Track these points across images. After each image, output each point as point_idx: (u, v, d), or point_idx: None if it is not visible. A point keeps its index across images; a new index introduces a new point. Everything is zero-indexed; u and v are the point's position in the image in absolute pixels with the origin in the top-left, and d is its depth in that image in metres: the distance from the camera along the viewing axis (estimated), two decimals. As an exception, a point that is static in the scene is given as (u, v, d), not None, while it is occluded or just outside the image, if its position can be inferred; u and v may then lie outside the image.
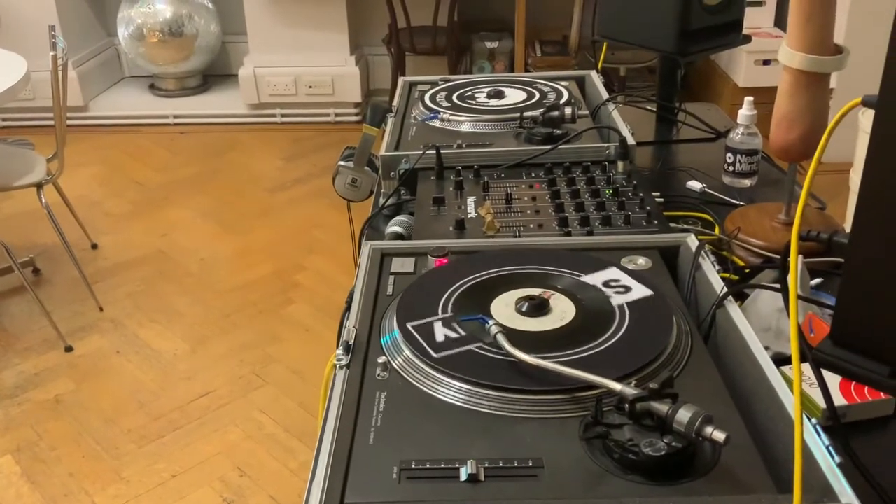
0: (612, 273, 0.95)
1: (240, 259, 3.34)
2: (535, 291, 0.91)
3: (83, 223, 3.39)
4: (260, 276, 3.21)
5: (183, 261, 3.34)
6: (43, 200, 2.95)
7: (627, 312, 0.88)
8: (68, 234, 3.14)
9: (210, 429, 2.42)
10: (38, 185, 2.91)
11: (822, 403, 0.85)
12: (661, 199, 1.23)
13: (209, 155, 4.31)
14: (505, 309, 0.89)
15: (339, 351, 0.84)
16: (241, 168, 4.17)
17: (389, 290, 0.98)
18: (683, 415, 0.67)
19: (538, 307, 0.88)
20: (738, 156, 1.47)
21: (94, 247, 3.43)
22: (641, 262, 1.01)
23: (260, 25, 4.48)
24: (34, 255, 3.27)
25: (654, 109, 1.80)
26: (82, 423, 2.45)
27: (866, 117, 2.72)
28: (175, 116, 4.68)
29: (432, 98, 1.60)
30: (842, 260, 0.69)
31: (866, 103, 0.67)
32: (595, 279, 0.94)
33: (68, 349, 2.79)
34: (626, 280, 0.93)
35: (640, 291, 0.91)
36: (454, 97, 1.60)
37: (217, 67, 4.96)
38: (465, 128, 1.48)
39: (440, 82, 1.71)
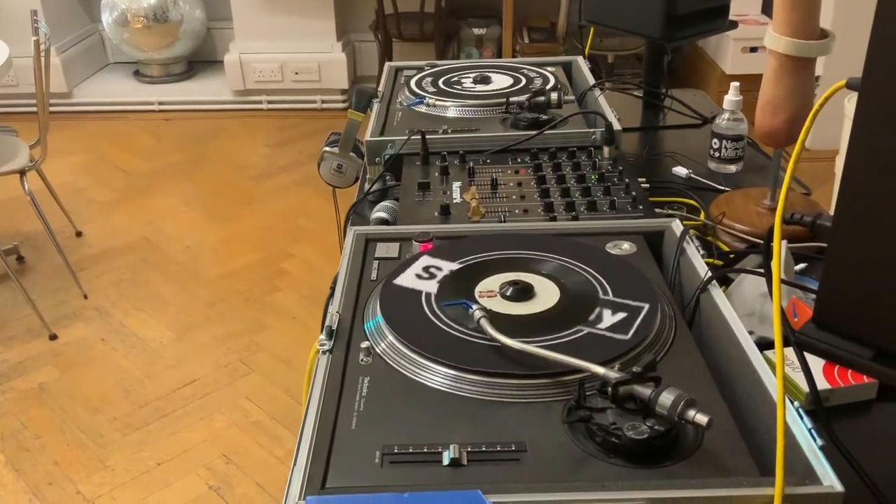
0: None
1: (225, 247, 3.33)
2: (521, 276, 0.91)
3: (67, 211, 3.36)
4: (246, 264, 3.20)
5: (168, 249, 3.32)
6: (26, 187, 2.92)
7: (612, 297, 0.87)
8: (52, 221, 3.11)
9: (196, 417, 2.42)
10: (22, 172, 2.89)
11: (805, 387, 0.86)
12: (647, 185, 1.23)
13: (194, 142, 4.29)
14: (489, 293, 0.89)
15: (323, 336, 0.83)
16: (227, 155, 4.14)
17: (373, 276, 0.97)
18: (666, 398, 0.67)
19: (522, 291, 0.88)
20: (724, 141, 1.47)
21: (79, 234, 3.40)
22: (626, 246, 1.01)
23: (245, 11, 4.44)
24: (18, 243, 3.25)
25: (641, 95, 1.80)
26: (67, 412, 2.44)
27: (852, 104, 2.73)
28: (160, 103, 4.65)
29: (418, 83, 1.59)
30: (826, 244, 0.69)
31: (850, 86, 0.67)
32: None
33: (52, 337, 2.77)
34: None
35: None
36: (440, 82, 1.59)
37: (202, 53, 4.92)
38: (451, 113, 1.48)
39: (426, 67, 1.70)
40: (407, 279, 0.92)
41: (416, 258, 0.96)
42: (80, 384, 2.56)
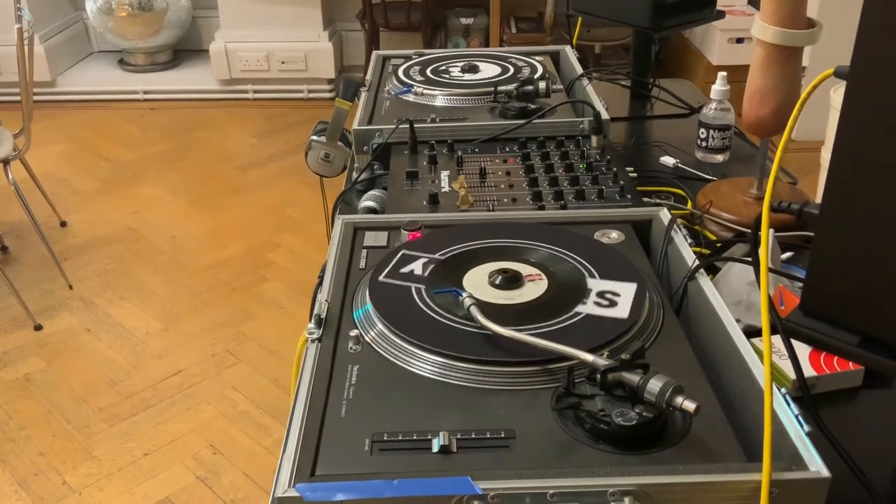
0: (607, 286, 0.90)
1: (212, 237, 3.31)
2: (510, 265, 0.91)
3: (52, 200, 3.33)
4: (232, 254, 3.19)
5: (154, 239, 3.30)
6: (10, 177, 2.90)
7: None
8: (36, 211, 3.09)
9: (183, 407, 2.41)
10: (5, 162, 2.86)
11: (792, 374, 0.86)
12: (635, 174, 1.23)
13: (180, 131, 4.26)
14: (478, 282, 0.89)
15: (311, 324, 0.83)
16: (213, 145, 4.12)
17: (362, 264, 0.97)
18: (654, 385, 0.68)
19: (511, 280, 0.88)
20: (711, 131, 1.47)
21: (63, 224, 3.38)
22: (614, 235, 1.01)
23: None
24: (2, 233, 3.22)
25: (628, 85, 1.80)
26: (53, 402, 2.43)
27: (837, 95, 2.74)
28: (145, 92, 4.61)
29: (406, 72, 1.58)
30: (812, 234, 0.69)
31: (838, 74, 0.67)
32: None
33: (38, 328, 2.75)
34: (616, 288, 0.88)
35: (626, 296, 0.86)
36: (428, 71, 1.59)
37: (187, 42, 4.89)
38: (439, 102, 1.47)
39: (414, 56, 1.70)
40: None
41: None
42: (65, 375, 2.55)
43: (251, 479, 2.15)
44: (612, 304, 0.84)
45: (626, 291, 0.86)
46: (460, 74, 1.57)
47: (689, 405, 0.66)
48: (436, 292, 0.87)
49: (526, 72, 1.56)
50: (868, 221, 0.60)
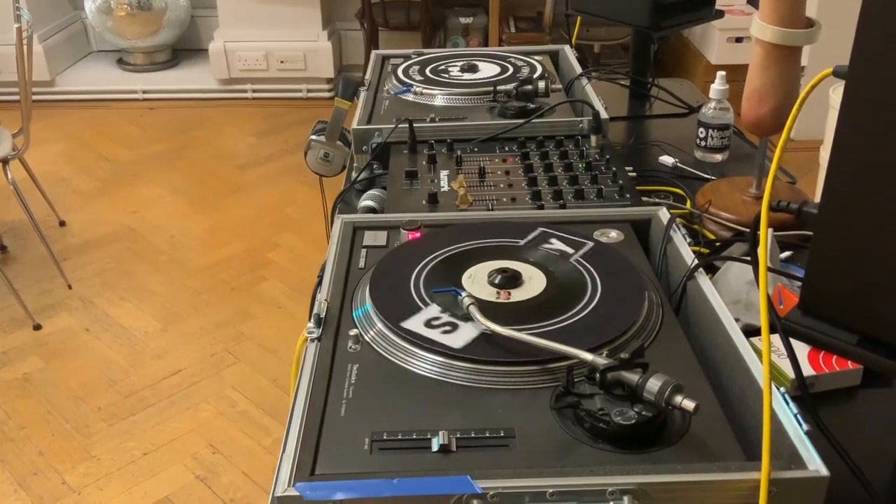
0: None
1: (211, 237, 3.31)
2: (509, 264, 0.91)
3: (51, 200, 3.33)
4: (232, 254, 3.18)
5: (153, 238, 3.30)
6: (9, 176, 2.89)
7: (599, 284, 0.88)
8: (35, 211, 3.08)
9: (182, 406, 2.41)
10: (4, 161, 2.86)
11: (790, 373, 0.86)
12: (634, 174, 1.23)
13: (179, 131, 4.26)
14: (477, 281, 0.89)
15: (311, 324, 0.83)
16: (212, 145, 4.12)
17: (361, 264, 0.97)
18: (654, 384, 0.68)
19: (510, 279, 0.88)
20: (710, 131, 1.47)
21: (62, 224, 3.38)
22: (614, 234, 1.01)
23: (230, -1, 4.41)
24: (1, 233, 3.22)
25: (628, 85, 1.80)
26: (52, 402, 2.43)
27: (836, 94, 2.75)
28: (144, 92, 4.61)
29: (405, 72, 1.58)
30: (811, 233, 0.69)
31: (837, 74, 0.67)
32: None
33: (37, 327, 2.75)
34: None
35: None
36: (427, 71, 1.59)
37: (186, 42, 4.89)
38: (439, 101, 1.47)
39: (413, 56, 1.70)
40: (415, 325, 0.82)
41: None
42: (64, 374, 2.55)
43: (250, 479, 2.15)
44: (453, 329, 0.81)
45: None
46: (459, 74, 1.57)
47: (689, 404, 0.66)
48: (435, 291, 0.87)
49: (525, 71, 1.56)
50: (867, 221, 0.61)
